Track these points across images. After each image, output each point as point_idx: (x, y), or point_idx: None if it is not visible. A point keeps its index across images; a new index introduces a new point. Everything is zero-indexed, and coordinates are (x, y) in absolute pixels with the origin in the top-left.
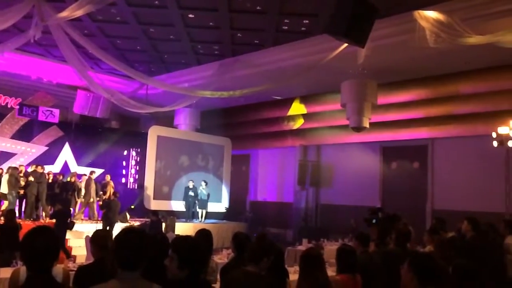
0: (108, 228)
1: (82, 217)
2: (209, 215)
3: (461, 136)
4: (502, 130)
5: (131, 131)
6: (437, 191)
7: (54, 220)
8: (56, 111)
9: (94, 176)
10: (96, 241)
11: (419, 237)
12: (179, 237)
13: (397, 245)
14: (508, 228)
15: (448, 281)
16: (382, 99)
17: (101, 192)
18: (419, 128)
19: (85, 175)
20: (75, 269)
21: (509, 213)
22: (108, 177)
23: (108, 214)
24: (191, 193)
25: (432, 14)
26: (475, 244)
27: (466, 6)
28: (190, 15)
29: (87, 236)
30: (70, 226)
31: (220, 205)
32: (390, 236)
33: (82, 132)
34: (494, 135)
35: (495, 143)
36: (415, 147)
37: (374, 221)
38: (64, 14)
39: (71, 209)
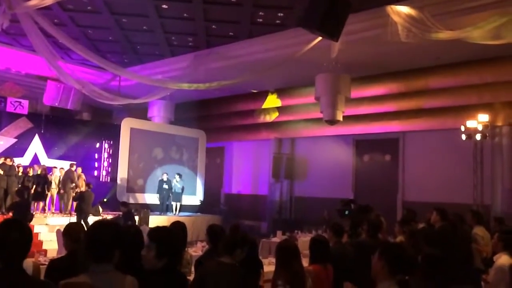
0: (82, 219)
1: (53, 210)
2: (183, 208)
3: (431, 129)
4: (470, 123)
5: (103, 123)
6: (408, 183)
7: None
8: (25, 102)
9: (74, 168)
10: (69, 234)
11: (390, 228)
12: (157, 227)
13: (369, 235)
14: (475, 218)
15: (417, 269)
16: (355, 93)
17: (74, 184)
18: (390, 121)
19: (55, 167)
20: (46, 263)
21: (476, 204)
22: (79, 170)
23: (82, 205)
24: (165, 186)
25: (404, 9)
26: (444, 234)
27: (437, 2)
28: (164, 6)
29: (58, 230)
30: (29, 218)
31: (195, 198)
32: (362, 227)
33: (53, 124)
34: (462, 128)
35: (463, 137)
36: (387, 140)
37: (346, 212)
38: (33, 2)
39: (43, 201)
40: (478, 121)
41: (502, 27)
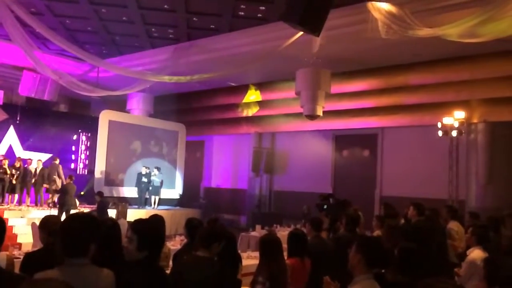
0: (64, 212)
1: (29, 203)
2: (162, 202)
3: (409, 125)
4: (447, 120)
5: (81, 115)
6: (385, 178)
7: None
8: (0, 93)
9: (58, 161)
10: (45, 227)
11: (368, 222)
12: (139, 219)
13: (347, 230)
14: (450, 213)
15: (393, 262)
16: (336, 88)
17: (55, 178)
18: (370, 117)
19: (30, 159)
20: (21, 256)
21: (452, 200)
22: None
23: (65, 197)
24: (144, 179)
25: (384, 5)
26: (420, 228)
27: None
28: None
29: (33, 223)
30: None
31: (174, 192)
32: (341, 221)
33: (28, 115)
34: (439, 125)
35: (440, 133)
36: (365, 136)
37: (325, 206)
38: None
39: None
40: (455, 118)
41: (479, 26)
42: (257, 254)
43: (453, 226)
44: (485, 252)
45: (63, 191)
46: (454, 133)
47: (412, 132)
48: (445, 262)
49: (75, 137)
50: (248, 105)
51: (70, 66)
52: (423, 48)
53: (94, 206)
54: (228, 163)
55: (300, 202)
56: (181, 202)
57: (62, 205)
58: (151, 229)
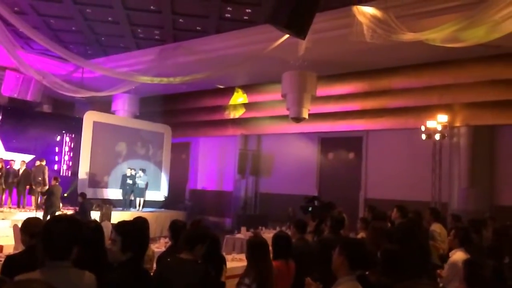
0: (50, 214)
1: (10, 205)
2: (147, 204)
3: (393, 128)
4: (430, 124)
5: (65, 115)
6: (370, 180)
7: None
8: None
9: (44, 163)
10: (27, 229)
11: (353, 224)
12: (122, 221)
13: (331, 232)
14: (432, 215)
15: (376, 264)
16: (321, 91)
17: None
18: (355, 120)
19: (13, 160)
20: (1, 259)
21: (435, 202)
22: (38, 163)
23: (51, 199)
24: (129, 181)
25: (369, 10)
26: (403, 230)
27: (401, 4)
28: None
29: (15, 225)
30: None
31: (159, 194)
32: (325, 223)
33: (11, 116)
34: (422, 128)
35: (423, 136)
36: (351, 139)
37: (310, 209)
38: None
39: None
40: (438, 121)
41: (462, 31)
42: (242, 256)
43: (436, 228)
44: (467, 254)
45: (49, 193)
46: (437, 137)
47: (396, 135)
48: (428, 264)
49: (58, 138)
50: (234, 107)
51: (54, 66)
52: (407, 52)
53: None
54: (214, 165)
55: (285, 204)
56: (166, 204)
57: (48, 207)
58: (135, 230)
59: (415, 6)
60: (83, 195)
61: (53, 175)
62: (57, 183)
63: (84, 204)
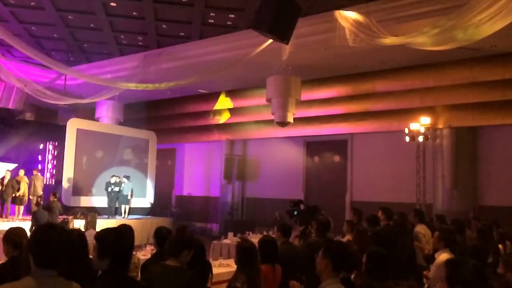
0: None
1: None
2: (133, 211)
3: (377, 131)
4: (413, 126)
5: (48, 123)
6: (356, 183)
7: None
8: None
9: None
10: (9, 240)
11: (339, 227)
12: (104, 229)
13: (318, 235)
14: (417, 217)
15: (361, 266)
16: (306, 95)
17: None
18: (340, 123)
19: None
20: None
21: (419, 203)
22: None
23: (48, 215)
24: (115, 189)
25: (351, 14)
26: (388, 232)
27: (382, 9)
28: (112, 3)
29: None
30: None
31: (145, 200)
32: (312, 226)
33: None
34: (406, 130)
35: (407, 139)
36: (336, 142)
37: (295, 213)
38: None
39: None
40: (421, 123)
41: (443, 34)
42: (229, 262)
43: (420, 229)
44: (452, 254)
45: (47, 210)
46: (420, 139)
47: (380, 138)
48: (414, 265)
49: (41, 146)
50: (219, 112)
51: (36, 73)
52: (389, 55)
53: (63, 217)
54: (200, 171)
55: (272, 208)
56: (153, 211)
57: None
58: (112, 235)
59: (396, 11)
60: (54, 194)
61: (53, 191)
62: (56, 199)
63: (49, 204)
